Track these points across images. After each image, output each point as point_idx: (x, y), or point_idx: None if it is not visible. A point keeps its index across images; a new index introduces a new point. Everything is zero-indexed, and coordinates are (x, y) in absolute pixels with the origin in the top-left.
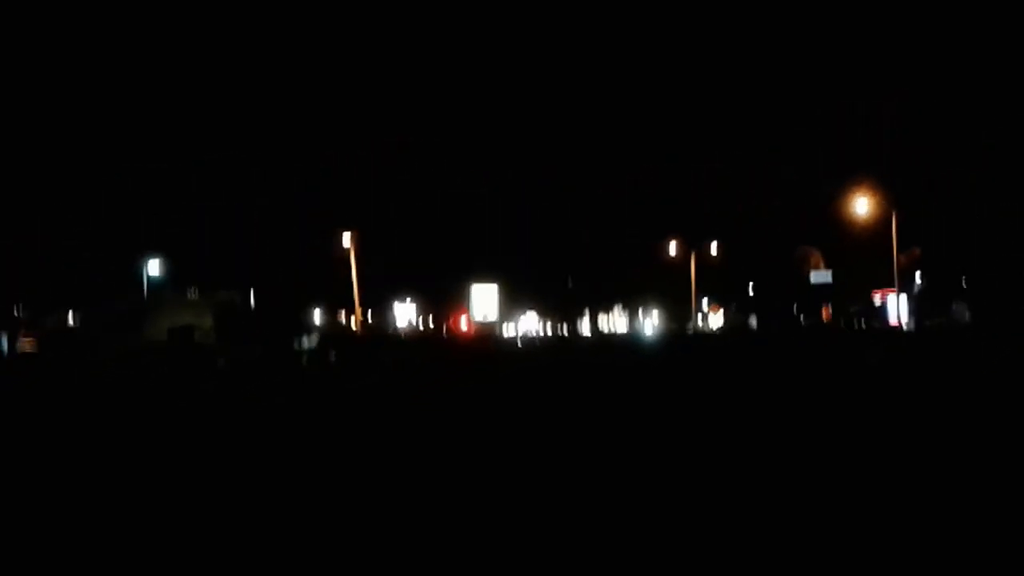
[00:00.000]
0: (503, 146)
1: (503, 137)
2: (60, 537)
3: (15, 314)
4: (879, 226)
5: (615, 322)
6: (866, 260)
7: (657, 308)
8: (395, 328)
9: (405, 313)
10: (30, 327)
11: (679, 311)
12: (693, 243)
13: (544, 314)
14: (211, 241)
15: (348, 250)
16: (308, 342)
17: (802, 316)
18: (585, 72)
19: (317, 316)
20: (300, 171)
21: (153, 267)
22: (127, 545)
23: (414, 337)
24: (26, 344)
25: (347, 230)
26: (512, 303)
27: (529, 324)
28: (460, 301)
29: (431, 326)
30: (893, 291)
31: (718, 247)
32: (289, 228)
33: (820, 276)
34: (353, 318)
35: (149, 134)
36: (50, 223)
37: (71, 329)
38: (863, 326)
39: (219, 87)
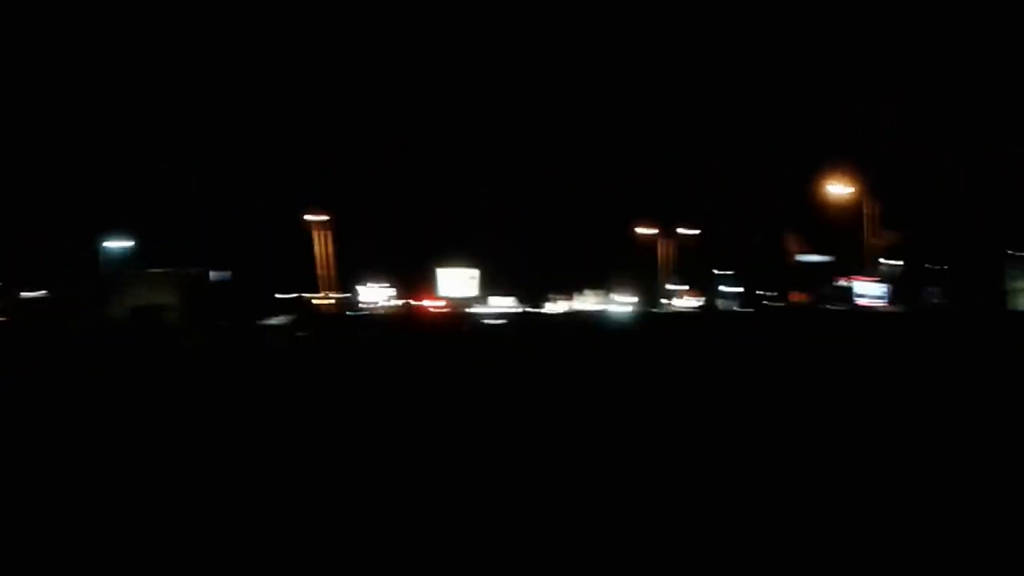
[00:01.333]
0: (485, 133)
1: (485, 122)
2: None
3: None
4: (857, 211)
5: (586, 303)
6: (845, 244)
7: (627, 290)
8: (366, 305)
9: (377, 292)
10: None
11: (651, 293)
12: (668, 226)
13: (516, 295)
14: (177, 219)
15: (323, 228)
16: (279, 319)
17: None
18: (562, 54)
19: (287, 295)
20: (273, 149)
21: (113, 245)
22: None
23: (385, 314)
24: None
25: (322, 209)
26: (487, 285)
27: (501, 304)
28: (434, 282)
29: (405, 304)
30: (862, 277)
31: (695, 230)
32: (260, 207)
33: (815, 257)
34: (324, 296)
35: (118, 112)
36: (5, 201)
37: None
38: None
39: (187, 63)
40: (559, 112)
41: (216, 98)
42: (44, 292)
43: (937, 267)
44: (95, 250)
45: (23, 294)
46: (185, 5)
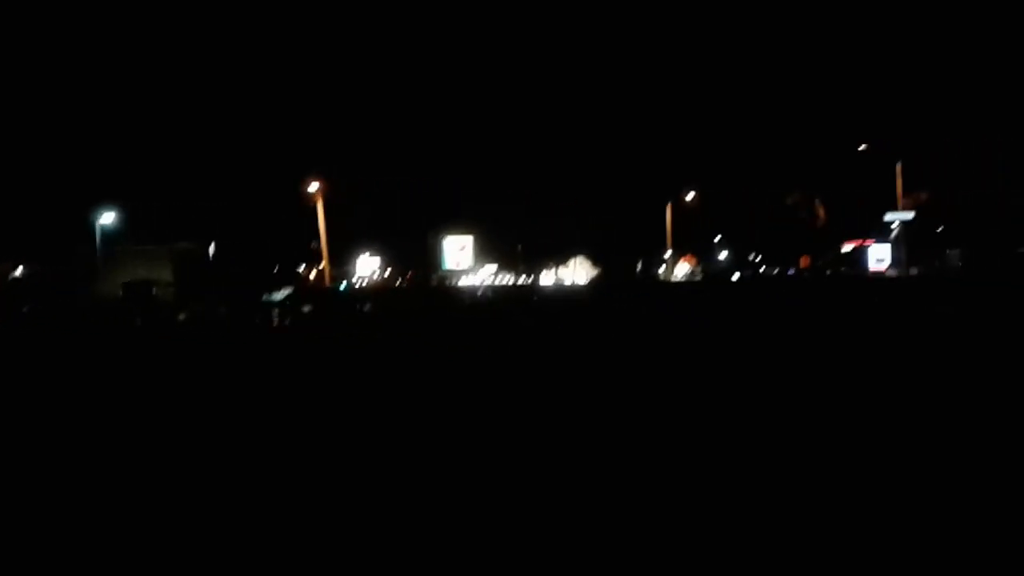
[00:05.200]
0: (477, 99)
1: (477, 88)
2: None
3: None
4: (875, 173)
5: (576, 274)
6: (861, 207)
7: (621, 258)
8: (358, 280)
9: (368, 265)
10: None
11: (644, 262)
12: (668, 191)
13: (506, 266)
14: (170, 192)
15: (315, 200)
16: (278, 295)
17: (764, 267)
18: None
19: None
20: (265, 119)
21: (107, 218)
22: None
23: (375, 289)
24: None
25: (314, 179)
26: (479, 255)
27: (488, 275)
28: (429, 253)
29: (397, 278)
30: (871, 241)
31: (695, 196)
32: (253, 178)
33: (901, 214)
34: (319, 270)
35: (104, 79)
36: None
37: (15, 281)
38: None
39: (177, 32)
40: (550, 74)
41: (207, 67)
42: (26, 270)
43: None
44: (87, 225)
45: (14, 273)
46: None
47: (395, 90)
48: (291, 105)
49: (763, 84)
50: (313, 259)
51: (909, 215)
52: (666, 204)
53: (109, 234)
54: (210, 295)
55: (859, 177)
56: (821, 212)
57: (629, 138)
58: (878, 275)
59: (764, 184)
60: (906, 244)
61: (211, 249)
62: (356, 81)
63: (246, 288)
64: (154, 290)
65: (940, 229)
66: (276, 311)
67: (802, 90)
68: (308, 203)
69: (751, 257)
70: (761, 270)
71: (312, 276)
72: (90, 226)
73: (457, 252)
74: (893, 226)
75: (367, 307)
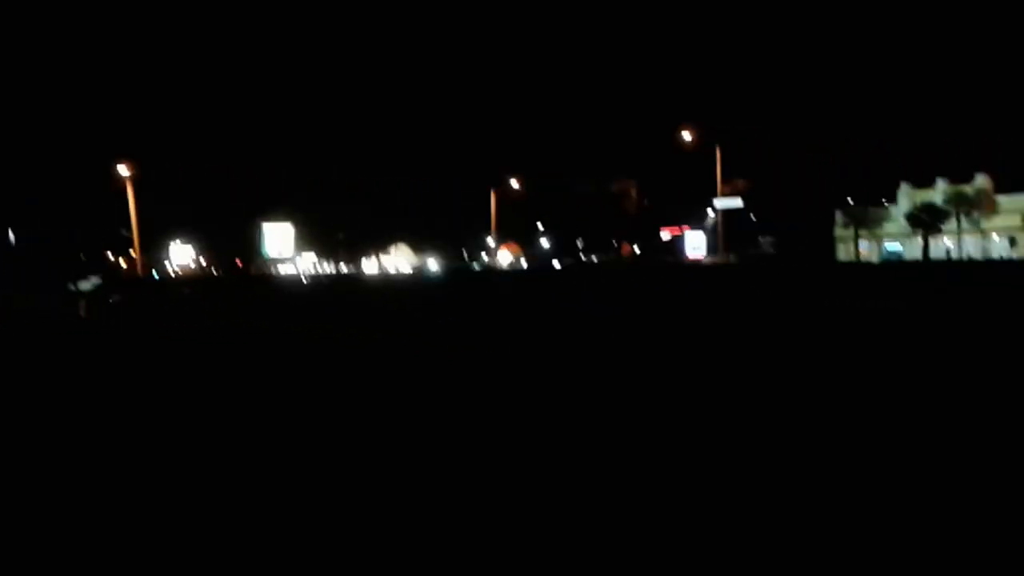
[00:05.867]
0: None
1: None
2: None
3: None
4: (697, 160)
5: (399, 262)
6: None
7: (443, 245)
8: (175, 267)
9: (182, 254)
10: None
11: (467, 249)
12: (492, 178)
13: (325, 254)
14: None
15: (125, 184)
16: (85, 284)
17: (593, 255)
18: None
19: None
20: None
21: None
22: None
23: (192, 277)
24: None
25: (123, 163)
26: (298, 242)
27: (309, 263)
28: (247, 240)
29: (211, 267)
30: (686, 227)
31: (519, 183)
32: (57, 161)
33: (729, 202)
34: (129, 259)
35: None
36: None
37: None
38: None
39: None
40: (374, 58)
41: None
42: None
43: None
44: None
45: None
46: None
47: (213, 71)
48: (102, 85)
49: (588, 70)
50: (123, 246)
51: (737, 202)
52: (489, 191)
53: None
54: (11, 284)
55: (680, 164)
56: (636, 197)
57: (451, 124)
58: (696, 263)
59: (587, 172)
60: (724, 231)
61: (10, 235)
62: (169, 61)
63: (51, 277)
64: None
65: (753, 217)
66: (83, 301)
67: (625, 76)
68: (117, 188)
69: (576, 245)
70: (583, 258)
71: (124, 264)
72: None
73: (278, 239)
74: (711, 214)
75: (187, 292)
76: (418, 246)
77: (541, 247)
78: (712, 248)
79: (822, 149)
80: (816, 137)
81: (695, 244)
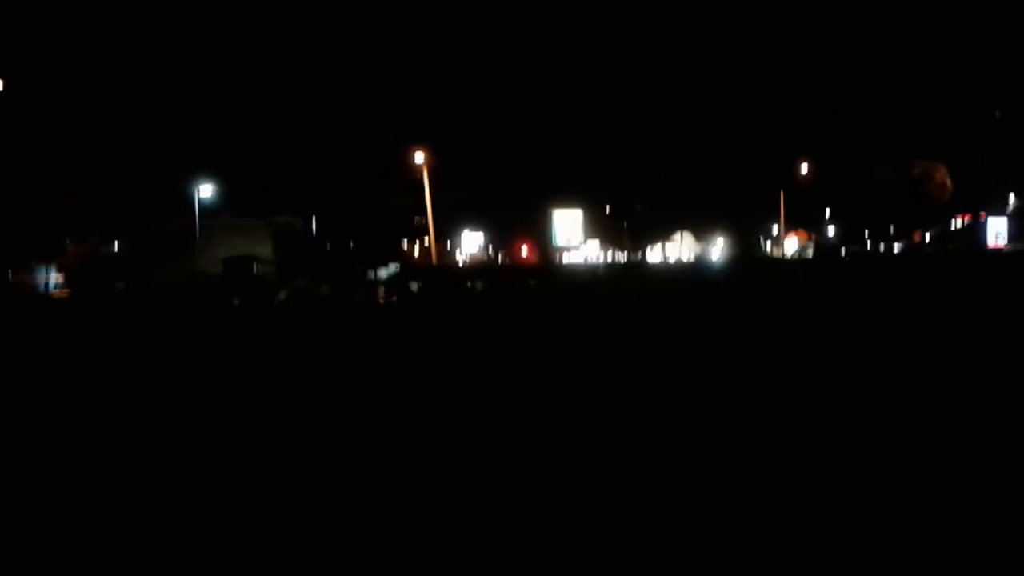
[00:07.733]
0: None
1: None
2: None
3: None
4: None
5: (682, 250)
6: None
7: (725, 235)
8: (465, 255)
9: (473, 241)
10: (58, 257)
11: (749, 237)
12: (780, 165)
13: (608, 242)
14: (269, 163)
15: (420, 172)
16: (384, 272)
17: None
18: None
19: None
20: (367, 90)
21: (205, 191)
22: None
23: (477, 266)
24: (59, 278)
25: (418, 149)
26: (590, 229)
27: (591, 252)
28: (533, 228)
29: (498, 255)
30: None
31: (808, 167)
32: (353, 150)
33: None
34: (424, 247)
35: (200, 50)
36: (91, 144)
37: (109, 257)
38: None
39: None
40: (663, 50)
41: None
42: (122, 245)
43: None
44: (184, 197)
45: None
46: None
47: (499, 60)
48: (395, 75)
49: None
50: (417, 235)
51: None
52: (777, 177)
53: (207, 207)
54: (312, 272)
55: (986, 146)
56: (948, 182)
57: (739, 109)
58: (996, 251)
59: (884, 155)
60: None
61: (312, 223)
62: (458, 49)
63: (350, 265)
64: (256, 267)
65: None
66: (381, 290)
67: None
68: (412, 176)
69: (863, 232)
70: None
71: (416, 253)
72: (188, 198)
73: (567, 226)
74: (1012, 198)
75: (479, 285)
76: (700, 235)
77: (826, 235)
78: (1013, 235)
79: None
80: None
81: (998, 230)
